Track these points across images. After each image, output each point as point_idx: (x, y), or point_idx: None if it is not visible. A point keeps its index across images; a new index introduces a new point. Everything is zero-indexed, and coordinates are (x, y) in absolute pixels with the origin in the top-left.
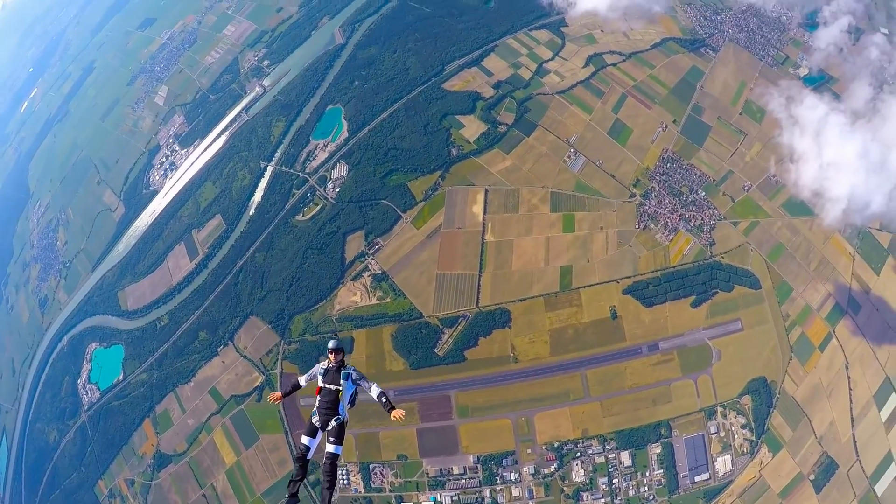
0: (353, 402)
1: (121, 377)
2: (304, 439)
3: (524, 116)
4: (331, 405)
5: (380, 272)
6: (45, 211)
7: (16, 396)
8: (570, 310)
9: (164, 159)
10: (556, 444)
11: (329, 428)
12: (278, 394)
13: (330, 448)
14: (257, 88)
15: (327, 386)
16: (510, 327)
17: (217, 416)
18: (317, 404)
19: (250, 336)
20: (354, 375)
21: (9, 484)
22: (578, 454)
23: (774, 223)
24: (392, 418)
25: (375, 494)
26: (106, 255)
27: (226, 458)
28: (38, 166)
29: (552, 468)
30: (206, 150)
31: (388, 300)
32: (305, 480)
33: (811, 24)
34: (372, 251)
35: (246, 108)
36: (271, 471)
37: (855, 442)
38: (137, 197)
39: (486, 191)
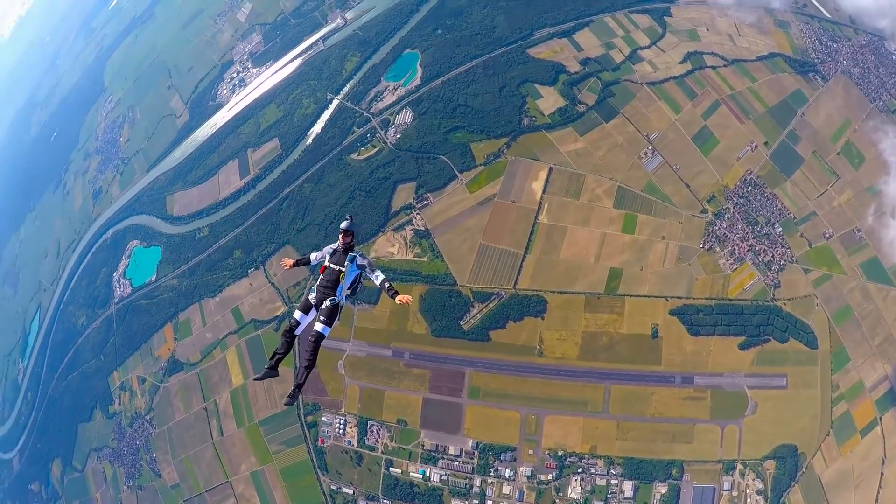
0: (353, 289)
1: (153, 278)
2: (297, 314)
3: (607, 100)
4: (330, 285)
5: (423, 229)
6: (114, 107)
7: (55, 277)
8: (610, 316)
9: (234, 75)
10: (559, 453)
11: (322, 307)
12: (290, 261)
13: (318, 327)
14: (339, 20)
15: (331, 266)
16: (543, 318)
17: (234, 336)
18: (318, 282)
19: (282, 265)
20: (360, 260)
21: (33, 357)
22: (580, 469)
23: (848, 282)
24: (397, 303)
25: (367, 452)
26: (163, 158)
27: (234, 378)
28: (115, 63)
29: (550, 476)
30: (276, 72)
31: (425, 259)
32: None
33: None
34: (420, 205)
35: (324, 38)
36: (273, 401)
37: None
38: (203, 107)
39: (551, 169)
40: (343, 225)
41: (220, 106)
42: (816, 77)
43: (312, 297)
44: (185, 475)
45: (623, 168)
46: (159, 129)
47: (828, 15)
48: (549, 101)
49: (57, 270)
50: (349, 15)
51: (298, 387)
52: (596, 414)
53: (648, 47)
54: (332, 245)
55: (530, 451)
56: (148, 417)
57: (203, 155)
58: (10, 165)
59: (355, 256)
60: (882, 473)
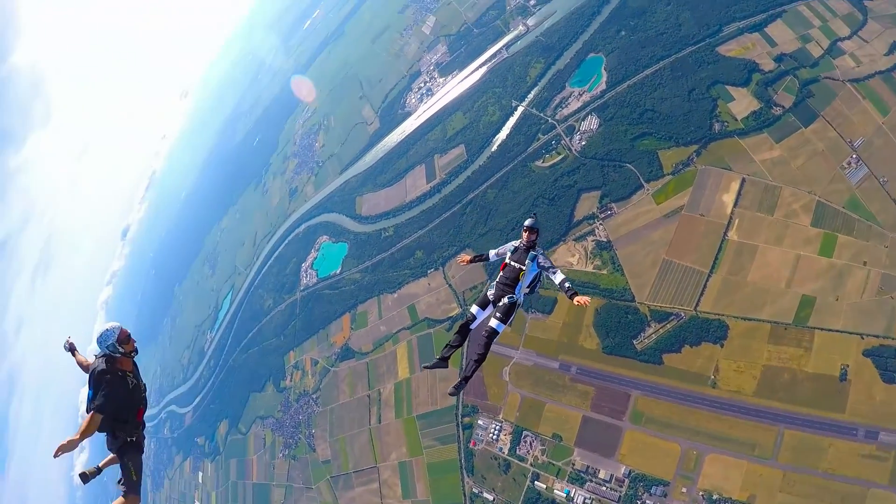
0: (533, 287)
1: (338, 271)
2: (474, 308)
3: (805, 101)
4: (509, 283)
5: (605, 240)
6: (310, 115)
7: (250, 263)
8: (796, 351)
9: (422, 84)
10: (714, 496)
11: (500, 303)
12: (468, 256)
13: (493, 323)
14: (521, 27)
15: (512, 263)
16: (722, 346)
17: (406, 332)
18: (497, 278)
19: (461, 267)
20: (541, 260)
21: (221, 330)
22: None
23: None
24: (576, 304)
25: (516, 461)
26: (354, 162)
27: (400, 371)
28: (312, 76)
29: None
30: (462, 81)
31: (605, 272)
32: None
33: None
34: (603, 215)
35: (507, 46)
36: (434, 398)
37: None
38: (392, 115)
39: (743, 180)
40: (528, 222)
41: (408, 114)
42: None
43: (491, 293)
44: (337, 453)
45: (823, 180)
46: (351, 135)
47: None
48: (741, 103)
49: (252, 257)
50: (531, 21)
51: (465, 379)
52: (763, 460)
53: (849, 38)
54: (513, 242)
55: (683, 490)
56: (314, 396)
57: (392, 160)
58: (217, 165)
59: (537, 255)
60: None
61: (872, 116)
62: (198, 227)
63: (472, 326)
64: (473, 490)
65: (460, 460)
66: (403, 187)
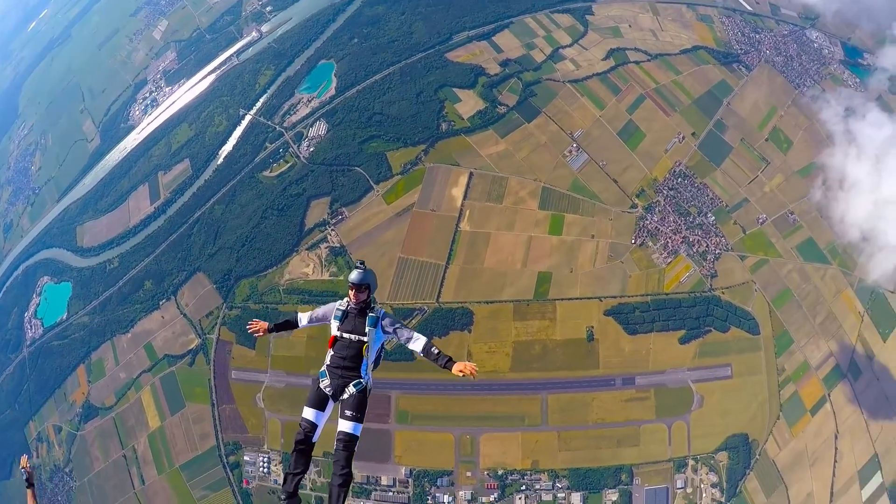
0: (377, 360)
1: (64, 316)
2: (308, 412)
3: (528, 100)
4: (350, 364)
5: (338, 245)
6: (27, 133)
7: None
8: (542, 323)
9: (147, 95)
10: (499, 472)
11: (345, 396)
12: (265, 324)
13: (345, 426)
14: (254, 33)
15: (346, 336)
16: (470, 331)
17: (148, 374)
18: (328, 361)
19: (193, 294)
20: (386, 322)
21: None
22: (524, 487)
23: (785, 265)
24: (456, 374)
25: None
26: (74, 186)
27: (150, 420)
28: (31, 88)
29: (492, 497)
30: (190, 90)
31: (342, 278)
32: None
33: (854, 64)
34: (334, 221)
35: (238, 53)
36: (192, 443)
37: None
38: (115, 130)
39: (471, 174)
40: (353, 277)
41: (131, 128)
42: (740, 67)
43: (326, 385)
44: None
45: (547, 168)
46: (70, 155)
47: (749, 8)
48: (468, 104)
49: None
50: (265, 28)
51: None
52: (534, 427)
53: (570, 46)
54: (336, 304)
55: (468, 474)
56: (67, 470)
57: (113, 181)
58: None
59: (377, 318)
60: (836, 448)
61: (590, 111)
62: None
63: (315, 439)
64: None
65: None
66: (126, 211)
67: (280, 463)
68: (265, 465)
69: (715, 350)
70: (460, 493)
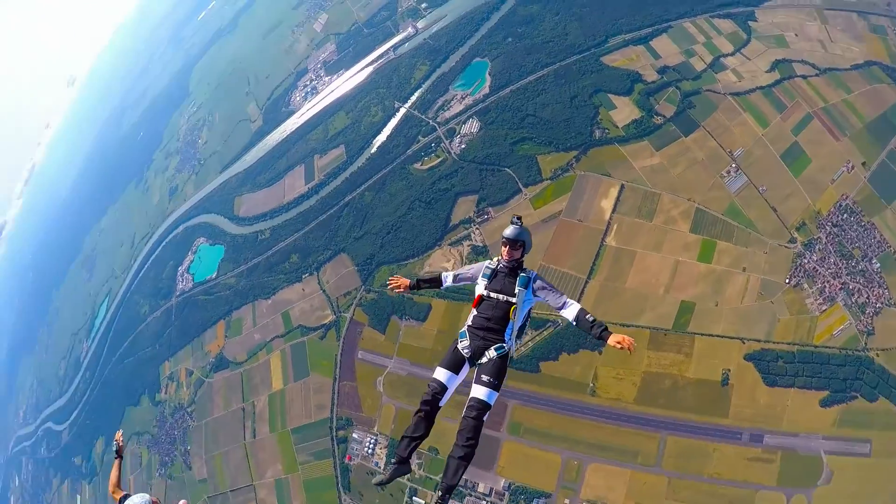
0: (523, 328)
1: (214, 275)
2: (440, 373)
3: (686, 112)
4: (495, 325)
5: (481, 244)
6: (196, 110)
7: (127, 266)
8: (677, 357)
9: (308, 83)
10: None
11: (484, 360)
12: (406, 281)
13: (479, 392)
14: (410, 29)
15: (494, 295)
16: (600, 353)
17: (280, 340)
18: (470, 321)
19: (335, 272)
20: (538, 284)
21: (97, 338)
22: None
23: None
24: (612, 345)
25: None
26: (236, 160)
27: (274, 381)
28: (200, 70)
29: None
30: (347, 80)
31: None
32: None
33: None
34: (480, 219)
35: (395, 47)
36: (308, 411)
37: None
38: (276, 113)
39: (623, 186)
40: (508, 232)
41: (292, 112)
42: None
43: (465, 347)
44: (213, 472)
45: (703, 188)
46: (235, 133)
47: None
48: (623, 112)
49: (129, 260)
50: (420, 24)
51: (450, 489)
52: (647, 468)
53: (732, 54)
54: (485, 262)
55: (566, 501)
56: (189, 410)
57: (272, 159)
58: (100, 160)
59: (529, 279)
60: None
61: (752, 128)
62: (77, 227)
63: (442, 402)
64: None
65: (336, 476)
66: (282, 188)
67: (386, 447)
68: (371, 445)
69: (858, 420)
70: None
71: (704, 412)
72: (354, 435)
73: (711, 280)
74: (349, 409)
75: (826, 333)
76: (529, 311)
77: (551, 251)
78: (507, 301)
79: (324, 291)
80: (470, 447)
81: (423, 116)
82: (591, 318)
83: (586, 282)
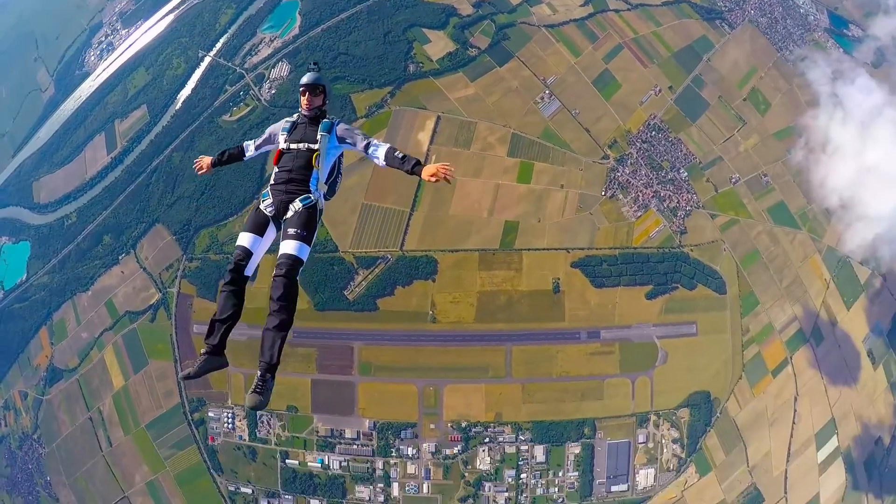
0: (334, 182)
1: (24, 277)
2: (244, 237)
3: (501, 44)
4: (297, 176)
5: None
6: None
7: None
8: (507, 273)
9: (103, 39)
10: (463, 424)
11: (290, 215)
12: (208, 159)
13: (288, 247)
14: None
15: (294, 146)
16: (434, 280)
17: (109, 333)
18: (272, 178)
19: (153, 246)
20: (342, 128)
21: None
22: (487, 439)
23: (755, 227)
24: (426, 180)
25: (260, 445)
26: (29, 139)
27: (114, 379)
28: None
29: (455, 450)
30: (146, 32)
31: None
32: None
33: (838, 34)
34: None
35: None
36: (157, 401)
37: (786, 478)
38: (69, 78)
39: (438, 118)
40: (305, 79)
41: (87, 75)
42: (723, 24)
43: (268, 204)
44: (82, 496)
45: (518, 114)
46: (25, 106)
47: None
48: (437, 45)
49: None
50: None
51: (272, 367)
52: (499, 379)
53: None
54: (286, 118)
55: (432, 426)
56: (35, 436)
57: (69, 132)
58: None
59: (331, 123)
60: (795, 410)
61: (565, 57)
62: None
63: (248, 271)
64: (230, 488)
65: (205, 461)
66: (83, 162)
67: (244, 419)
68: (229, 420)
69: (681, 307)
70: (424, 445)
71: (542, 319)
72: (210, 413)
73: (532, 199)
74: (198, 388)
75: (643, 236)
76: (339, 162)
77: (372, 189)
78: (308, 149)
79: (144, 269)
80: (285, 312)
81: (229, 64)
82: (400, 155)
83: (410, 214)
